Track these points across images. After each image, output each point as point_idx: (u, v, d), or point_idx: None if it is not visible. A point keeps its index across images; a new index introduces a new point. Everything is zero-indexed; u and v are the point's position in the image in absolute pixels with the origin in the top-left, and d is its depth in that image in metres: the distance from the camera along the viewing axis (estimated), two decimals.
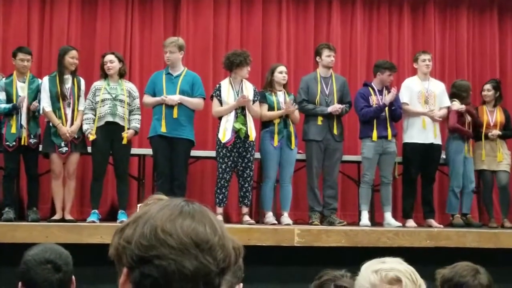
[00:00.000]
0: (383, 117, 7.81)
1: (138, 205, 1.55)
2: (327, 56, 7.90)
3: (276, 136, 7.56)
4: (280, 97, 7.71)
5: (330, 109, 7.76)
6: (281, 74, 7.72)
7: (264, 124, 7.73)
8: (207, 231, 1.28)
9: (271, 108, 7.63)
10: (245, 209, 7.48)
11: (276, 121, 7.60)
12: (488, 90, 8.46)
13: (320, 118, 7.79)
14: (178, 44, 7.40)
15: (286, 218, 7.58)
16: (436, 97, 8.06)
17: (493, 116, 8.37)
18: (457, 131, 8.12)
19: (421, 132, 7.94)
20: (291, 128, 7.64)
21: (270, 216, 7.51)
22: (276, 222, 7.46)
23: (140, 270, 1.26)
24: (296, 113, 7.72)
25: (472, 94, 8.59)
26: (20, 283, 2.96)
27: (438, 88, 8.14)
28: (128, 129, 7.16)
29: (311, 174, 7.78)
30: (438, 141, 8.03)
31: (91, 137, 7.10)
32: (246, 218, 7.41)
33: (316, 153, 7.75)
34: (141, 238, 1.27)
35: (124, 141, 7.13)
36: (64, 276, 2.92)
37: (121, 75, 7.33)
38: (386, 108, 7.79)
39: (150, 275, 1.25)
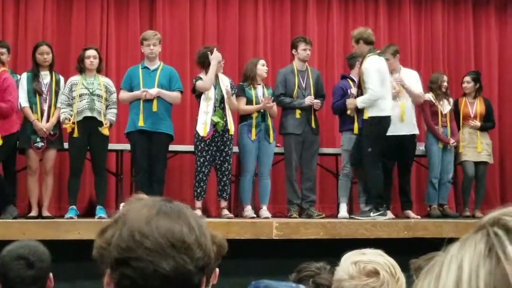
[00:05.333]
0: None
1: (121, 205, 1.55)
2: (303, 50, 7.89)
3: (253, 130, 7.57)
4: (259, 91, 7.71)
5: (307, 101, 7.75)
6: (263, 67, 7.74)
7: (242, 118, 7.74)
8: (183, 231, 1.30)
9: (249, 101, 7.64)
10: (223, 203, 7.49)
11: (254, 115, 7.61)
12: (467, 82, 8.51)
13: (298, 111, 7.79)
14: (159, 38, 7.42)
15: (265, 211, 7.60)
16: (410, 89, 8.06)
17: (473, 108, 8.44)
18: (432, 131, 8.19)
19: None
20: (269, 122, 7.65)
21: (248, 210, 7.53)
22: (255, 215, 7.47)
23: (120, 271, 1.29)
24: (274, 107, 7.73)
25: (449, 86, 8.64)
26: None
27: (407, 78, 8.08)
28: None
29: (290, 167, 7.79)
30: (412, 132, 8.04)
31: (68, 125, 7.02)
32: (225, 212, 7.42)
33: (295, 146, 7.76)
34: (119, 240, 1.29)
35: (106, 132, 7.09)
36: (37, 272, 2.91)
37: (98, 71, 7.31)
38: None
39: (129, 276, 1.28)
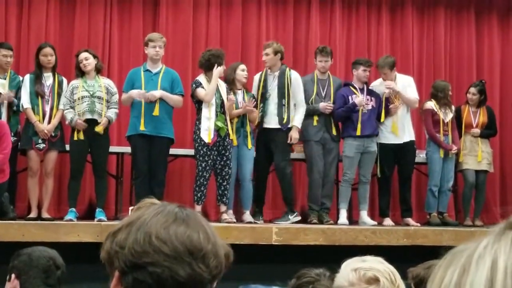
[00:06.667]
0: (367, 116, 7.83)
1: (130, 208, 1.53)
2: (319, 61, 7.92)
3: (234, 136, 7.50)
4: (239, 96, 7.69)
5: (321, 105, 7.75)
6: (243, 72, 7.72)
7: None
8: (201, 239, 1.29)
9: None
10: (223, 207, 7.47)
11: (234, 120, 7.58)
12: (473, 94, 8.47)
13: (315, 118, 7.77)
14: (165, 41, 7.42)
15: (247, 216, 7.57)
16: (400, 94, 8.03)
17: (476, 117, 8.43)
18: (433, 139, 8.17)
19: (389, 132, 7.98)
20: (248, 128, 7.64)
21: (229, 214, 7.49)
22: (231, 220, 7.40)
23: (133, 276, 1.27)
24: (255, 112, 7.69)
25: (451, 94, 8.64)
26: (13, 275, 2.99)
27: (401, 84, 8.06)
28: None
29: (313, 174, 7.76)
30: (409, 139, 8.01)
31: (101, 128, 7.01)
32: (224, 216, 7.40)
33: (317, 152, 7.74)
34: (135, 244, 1.27)
35: (100, 130, 7.03)
36: (61, 275, 3.06)
37: (98, 70, 7.29)
38: (373, 107, 7.83)
39: (143, 281, 1.26)
